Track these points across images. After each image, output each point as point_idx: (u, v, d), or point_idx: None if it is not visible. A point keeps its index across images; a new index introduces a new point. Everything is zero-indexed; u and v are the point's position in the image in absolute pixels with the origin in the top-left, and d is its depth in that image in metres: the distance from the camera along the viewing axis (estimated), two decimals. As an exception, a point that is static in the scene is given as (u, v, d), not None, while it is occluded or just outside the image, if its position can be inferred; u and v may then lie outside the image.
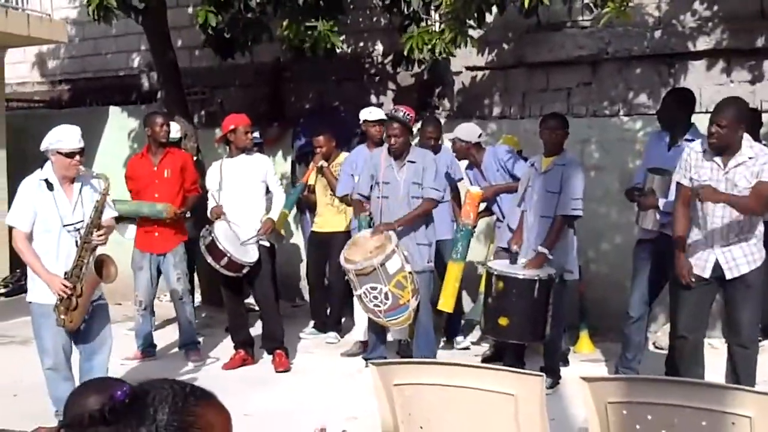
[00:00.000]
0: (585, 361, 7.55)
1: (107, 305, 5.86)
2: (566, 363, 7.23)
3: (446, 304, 7.30)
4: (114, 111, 11.39)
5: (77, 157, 5.46)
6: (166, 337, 8.48)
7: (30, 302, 5.65)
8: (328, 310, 8.74)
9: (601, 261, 8.73)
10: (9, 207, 5.75)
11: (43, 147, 5.52)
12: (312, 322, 8.83)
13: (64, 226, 5.46)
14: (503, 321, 6.36)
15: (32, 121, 11.40)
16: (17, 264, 10.00)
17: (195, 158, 8.88)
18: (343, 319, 8.61)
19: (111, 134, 11.26)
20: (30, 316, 5.74)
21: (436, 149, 7.83)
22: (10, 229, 5.70)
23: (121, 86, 12.03)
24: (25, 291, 9.35)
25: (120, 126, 11.27)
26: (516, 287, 6.35)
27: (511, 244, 6.86)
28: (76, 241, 5.47)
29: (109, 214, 5.67)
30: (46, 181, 5.50)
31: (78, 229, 5.47)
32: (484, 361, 7.21)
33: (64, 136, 5.45)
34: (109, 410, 1.63)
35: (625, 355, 6.56)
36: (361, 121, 8.23)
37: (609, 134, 8.85)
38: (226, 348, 7.94)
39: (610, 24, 7.58)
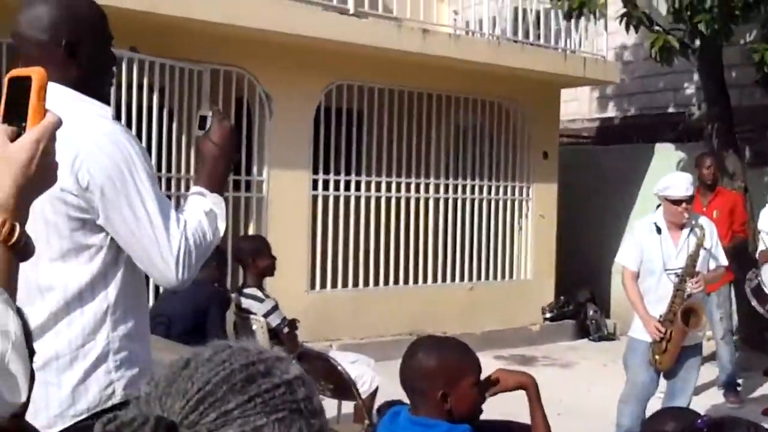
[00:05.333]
0: None
1: (700, 346, 5.92)
2: None
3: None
4: (659, 148, 11.59)
5: (684, 205, 5.57)
6: (705, 376, 8.44)
7: (629, 336, 5.96)
8: None
9: None
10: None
11: (654, 190, 5.82)
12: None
13: (666, 270, 5.65)
14: None
15: (579, 156, 12.10)
16: (562, 290, 10.69)
17: (744, 198, 8.74)
18: None
19: (656, 171, 11.46)
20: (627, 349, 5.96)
21: None
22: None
23: (668, 123, 12.20)
24: (567, 317, 10.01)
25: (665, 163, 11.43)
26: None
27: None
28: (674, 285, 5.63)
29: (714, 264, 5.77)
30: (656, 224, 5.76)
31: (679, 275, 5.60)
32: None
33: (672, 183, 5.62)
34: None
35: None
36: None
37: None
38: (765, 392, 7.71)
39: None
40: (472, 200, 10.54)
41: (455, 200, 10.40)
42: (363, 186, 9.62)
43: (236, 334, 5.88)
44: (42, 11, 2.20)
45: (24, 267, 1.40)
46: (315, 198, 9.17)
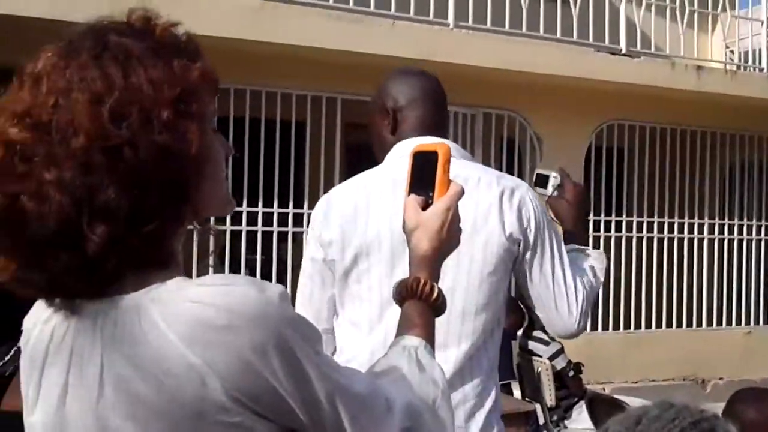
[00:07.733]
0: None
1: None
2: None
3: None
4: None
5: None
6: None
7: None
8: None
9: None
10: None
11: None
12: None
13: None
14: None
15: None
16: None
17: None
18: None
19: None
20: None
21: None
22: None
23: None
24: None
25: None
26: None
27: None
28: None
29: None
30: None
31: None
32: None
33: None
34: None
35: None
36: None
37: None
38: None
39: None
40: (749, 241, 10.12)
41: (730, 241, 10.02)
42: (635, 227, 9.46)
43: (519, 376, 5.96)
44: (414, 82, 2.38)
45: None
46: (585, 239, 9.10)
